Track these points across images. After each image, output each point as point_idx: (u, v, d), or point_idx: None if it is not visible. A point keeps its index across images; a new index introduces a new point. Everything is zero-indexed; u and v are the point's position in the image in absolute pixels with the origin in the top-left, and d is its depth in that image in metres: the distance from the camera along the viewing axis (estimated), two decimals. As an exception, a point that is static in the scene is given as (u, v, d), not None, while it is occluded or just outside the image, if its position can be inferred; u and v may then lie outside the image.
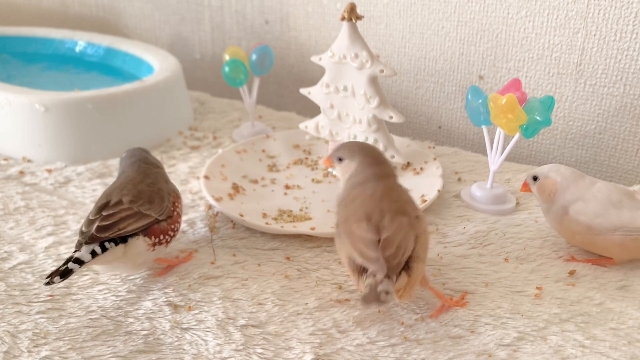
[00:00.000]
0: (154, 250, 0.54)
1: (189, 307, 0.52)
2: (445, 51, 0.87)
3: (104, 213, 0.52)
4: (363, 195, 0.50)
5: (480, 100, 0.63)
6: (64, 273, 0.48)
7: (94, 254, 0.49)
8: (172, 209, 0.56)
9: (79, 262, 0.49)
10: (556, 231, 0.59)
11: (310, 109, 0.97)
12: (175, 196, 0.58)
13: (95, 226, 0.50)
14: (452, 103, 0.90)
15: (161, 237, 0.54)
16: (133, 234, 0.52)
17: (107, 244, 0.50)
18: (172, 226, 0.55)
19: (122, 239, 0.51)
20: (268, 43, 1.03)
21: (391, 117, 0.67)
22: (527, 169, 0.76)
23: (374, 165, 0.52)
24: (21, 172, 0.76)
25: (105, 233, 0.50)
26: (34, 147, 0.78)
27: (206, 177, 0.70)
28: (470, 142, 0.90)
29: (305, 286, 0.55)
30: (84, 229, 0.51)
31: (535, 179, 0.59)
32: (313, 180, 0.74)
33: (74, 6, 1.24)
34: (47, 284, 0.47)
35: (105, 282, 0.56)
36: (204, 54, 1.13)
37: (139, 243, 0.52)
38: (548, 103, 0.61)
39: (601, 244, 0.55)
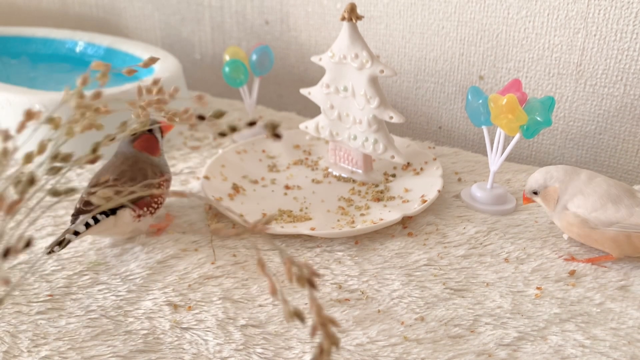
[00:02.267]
0: (139, 220, 0.60)
1: (189, 307, 0.52)
2: (445, 51, 0.87)
3: (91, 190, 0.57)
4: None
5: (480, 101, 0.63)
6: (62, 243, 0.53)
7: (87, 225, 0.55)
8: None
9: (75, 233, 0.55)
10: (558, 226, 0.59)
11: (311, 110, 0.97)
12: (161, 175, 0.63)
13: (83, 201, 0.57)
14: (453, 103, 0.90)
15: (145, 209, 0.60)
16: (121, 207, 0.57)
17: (98, 216, 0.56)
18: (156, 199, 0.61)
19: (112, 211, 0.57)
20: (268, 43, 1.03)
21: (391, 118, 0.67)
22: (528, 169, 0.76)
23: None
24: (22, 173, 0.76)
25: (90, 206, 0.56)
26: (34, 148, 0.78)
27: (206, 178, 0.70)
28: (471, 142, 0.90)
29: (305, 286, 0.55)
30: (77, 205, 0.58)
31: (535, 193, 0.60)
32: (313, 180, 0.74)
33: (74, 6, 1.24)
34: (49, 253, 0.53)
35: (105, 281, 0.56)
36: (204, 54, 1.13)
37: (126, 215, 0.58)
38: (548, 103, 0.61)
39: (596, 238, 0.56)
